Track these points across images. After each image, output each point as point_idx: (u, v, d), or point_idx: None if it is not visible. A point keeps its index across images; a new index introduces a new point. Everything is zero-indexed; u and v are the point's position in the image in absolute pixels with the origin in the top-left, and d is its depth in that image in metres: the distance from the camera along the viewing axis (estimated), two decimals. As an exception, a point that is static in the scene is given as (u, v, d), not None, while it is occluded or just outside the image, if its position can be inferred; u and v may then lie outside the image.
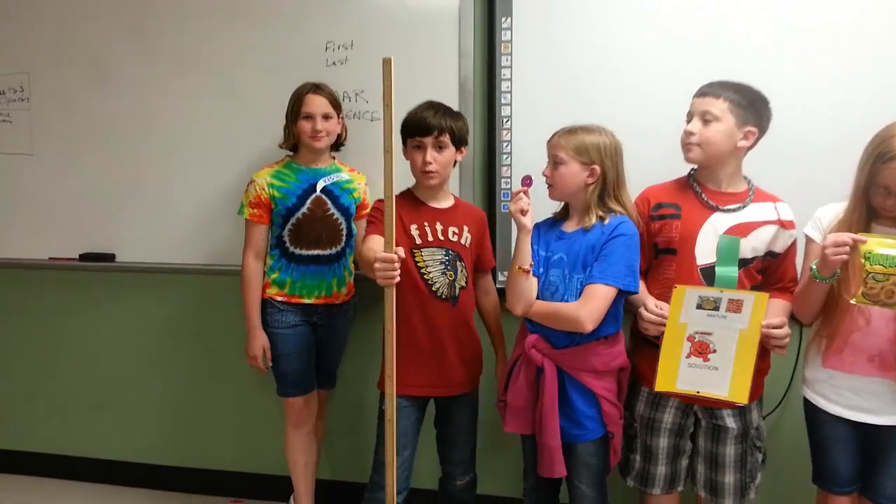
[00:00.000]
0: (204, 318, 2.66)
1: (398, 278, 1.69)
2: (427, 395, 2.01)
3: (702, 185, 1.88)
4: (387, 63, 1.67)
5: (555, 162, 1.82)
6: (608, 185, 1.83)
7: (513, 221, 1.83)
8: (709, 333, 1.73)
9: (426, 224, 1.95)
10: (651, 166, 1.97)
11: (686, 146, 1.83)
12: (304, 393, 2.28)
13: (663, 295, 1.82)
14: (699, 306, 1.73)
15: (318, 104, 2.18)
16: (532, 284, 1.83)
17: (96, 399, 2.80)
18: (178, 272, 2.62)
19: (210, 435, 2.73)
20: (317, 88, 2.20)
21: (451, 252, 1.97)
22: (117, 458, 2.82)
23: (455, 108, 2.26)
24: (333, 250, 2.26)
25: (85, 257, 2.64)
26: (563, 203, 1.93)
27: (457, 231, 1.99)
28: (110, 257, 2.63)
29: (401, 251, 1.69)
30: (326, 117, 2.19)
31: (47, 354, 2.82)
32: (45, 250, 2.68)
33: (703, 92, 1.82)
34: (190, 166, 2.55)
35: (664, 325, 1.76)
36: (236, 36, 2.47)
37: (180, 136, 2.55)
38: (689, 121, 1.84)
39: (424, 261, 1.93)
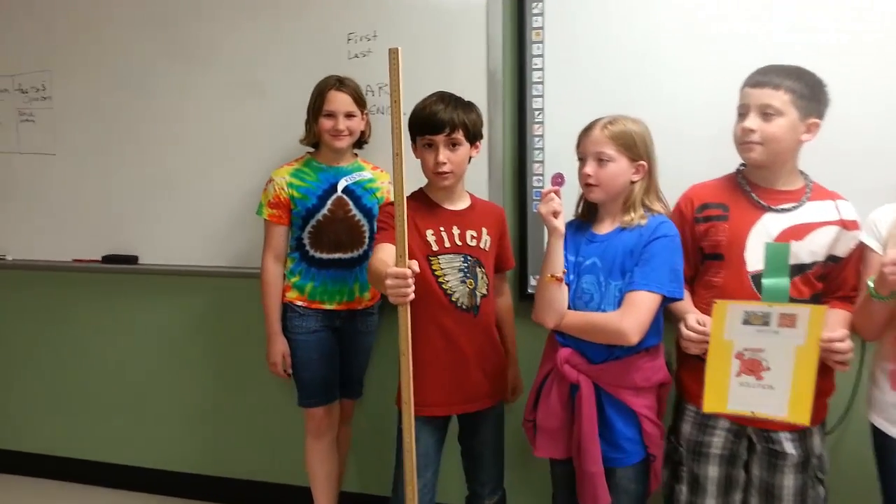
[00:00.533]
0: (228, 322, 2.58)
1: (412, 295, 1.53)
2: (449, 413, 1.86)
3: (752, 183, 1.69)
4: (393, 54, 1.52)
5: (600, 159, 1.66)
6: (652, 181, 1.69)
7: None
8: (760, 350, 1.55)
9: (442, 229, 1.80)
10: (694, 167, 1.80)
11: (745, 145, 1.63)
12: (325, 402, 2.18)
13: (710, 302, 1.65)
14: (746, 321, 1.55)
15: (340, 101, 2.06)
16: (564, 293, 1.68)
17: (117, 402, 2.76)
18: (202, 275, 2.55)
19: (232, 442, 2.66)
20: (340, 84, 2.08)
21: (469, 258, 1.81)
22: (136, 464, 2.77)
23: (483, 101, 2.15)
24: (356, 253, 2.15)
25: (107, 259, 2.59)
26: (582, 202, 1.78)
27: (475, 234, 1.83)
28: (133, 259, 2.58)
29: (415, 265, 1.52)
30: (349, 116, 2.08)
31: (68, 357, 2.79)
32: (68, 252, 2.65)
33: (759, 81, 1.61)
34: (214, 165, 2.48)
35: (707, 342, 1.59)
36: (257, 30, 2.38)
37: (203, 134, 2.48)
38: (742, 115, 1.64)
39: (442, 269, 1.78)
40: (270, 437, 2.59)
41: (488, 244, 1.86)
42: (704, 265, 1.72)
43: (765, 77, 1.61)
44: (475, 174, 2.11)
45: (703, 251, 1.72)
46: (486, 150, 2.19)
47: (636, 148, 1.66)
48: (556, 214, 1.63)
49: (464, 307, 1.79)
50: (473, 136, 1.79)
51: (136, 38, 2.49)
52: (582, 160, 1.70)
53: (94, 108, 2.56)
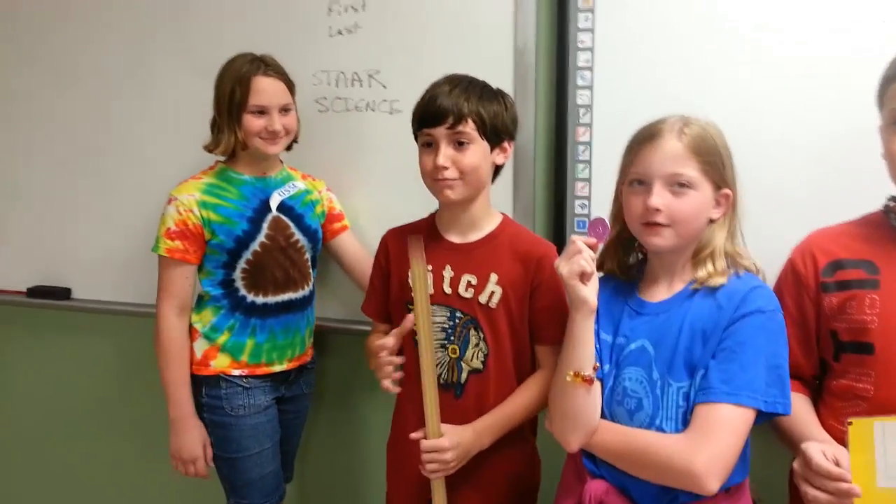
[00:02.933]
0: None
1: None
2: None
3: None
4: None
5: (679, 184, 1.15)
6: (736, 221, 1.21)
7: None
8: None
9: (430, 268, 1.41)
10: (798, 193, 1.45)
11: None
12: (281, 499, 1.80)
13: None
14: None
15: (273, 92, 1.65)
16: (596, 399, 1.18)
17: (38, 463, 2.43)
18: (147, 315, 2.13)
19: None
20: (269, 67, 1.66)
21: (459, 314, 1.40)
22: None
23: (509, 92, 1.66)
24: (306, 290, 1.77)
25: (34, 292, 2.26)
26: (617, 251, 1.29)
27: (473, 281, 1.40)
28: (65, 293, 2.24)
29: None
30: (285, 110, 1.67)
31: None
32: (-11, 280, 2.33)
33: None
34: (166, 177, 2.04)
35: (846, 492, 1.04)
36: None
37: (152, 138, 2.10)
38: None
39: None
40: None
41: (496, 298, 1.39)
42: (841, 360, 1.22)
43: None
44: (492, 195, 1.64)
45: (836, 337, 1.22)
46: (511, 161, 1.69)
47: (723, 167, 1.17)
48: (584, 278, 1.13)
49: (442, 381, 1.40)
50: (494, 134, 1.39)
51: (69, 17, 2.12)
52: (641, 183, 1.19)
53: (18, 104, 2.21)
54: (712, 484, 1.06)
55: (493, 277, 1.39)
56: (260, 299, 1.70)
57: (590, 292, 1.13)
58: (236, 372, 1.69)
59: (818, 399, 1.27)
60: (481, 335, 1.39)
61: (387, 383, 1.35)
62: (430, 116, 1.36)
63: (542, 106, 1.75)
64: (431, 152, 1.37)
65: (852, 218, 1.29)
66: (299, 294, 1.74)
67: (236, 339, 1.70)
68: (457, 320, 1.40)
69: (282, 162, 1.80)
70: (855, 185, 1.34)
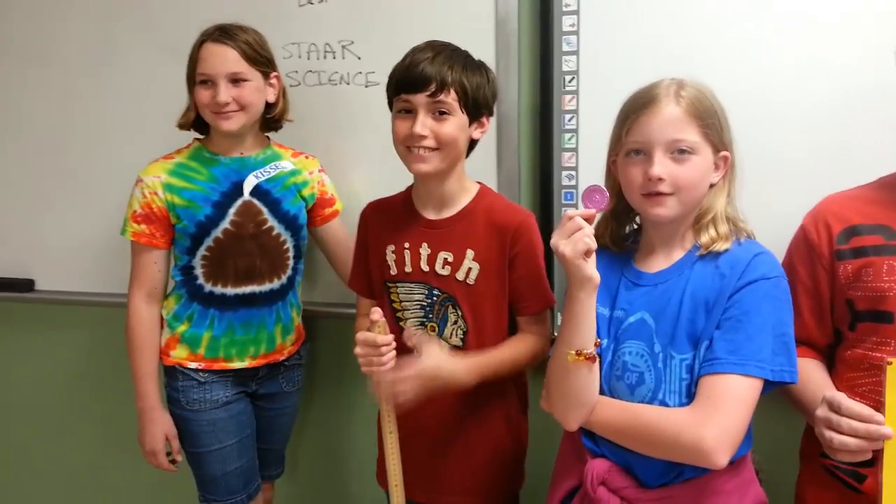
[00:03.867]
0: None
1: (389, 364, 1.27)
2: (424, 500, 1.46)
3: None
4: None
5: (680, 150, 1.11)
6: (735, 183, 1.19)
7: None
8: None
9: (407, 245, 1.41)
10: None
11: None
12: (252, 497, 1.72)
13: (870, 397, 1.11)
14: None
15: (218, 60, 1.53)
16: (596, 376, 1.14)
17: (5, 461, 2.37)
18: (116, 305, 2.05)
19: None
20: (222, 34, 1.54)
21: (436, 291, 1.39)
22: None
23: (490, 61, 1.63)
24: (276, 283, 1.67)
25: (-5, 284, 2.18)
26: (610, 222, 1.26)
27: (450, 258, 1.38)
28: (28, 285, 2.17)
29: (388, 339, 1.26)
30: (237, 80, 1.54)
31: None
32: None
33: None
34: (134, 160, 1.95)
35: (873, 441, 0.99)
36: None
37: (119, 119, 2.02)
38: None
39: (401, 301, 1.43)
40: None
41: (474, 274, 1.37)
42: (856, 330, 1.19)
43: None
44: (476, 168, 1.59)
45: (852, 306, 1.19)
46: (494, 132, 1.69)
47: (721, 129, 1.14)
48: (588, 255, 1.07)
49: None
50: (475, 107, 1.36)
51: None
52: (639, 152, 1.14)
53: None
54: (722, 458, 1.03)
55: (470, 254, 1.38)
56: (218, 289, 1.63)
57: (594, 269, 1.08)
58: (192, 365, 1.64)
59: (830, 369, 1.25)
60: (459, 313, 1.38)
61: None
62: (410, 82, 1.31)
63: (526, 73, 1.69)
64: (408, 119, 1.32)
65: (867, 181, 1.25)
66: (265, 287, 1.65)
67: (194, 329, 1.64)
68: (434, 298, 1.39)
69: (268, 139, 1.71)
70: (870, 148, 1.31)
